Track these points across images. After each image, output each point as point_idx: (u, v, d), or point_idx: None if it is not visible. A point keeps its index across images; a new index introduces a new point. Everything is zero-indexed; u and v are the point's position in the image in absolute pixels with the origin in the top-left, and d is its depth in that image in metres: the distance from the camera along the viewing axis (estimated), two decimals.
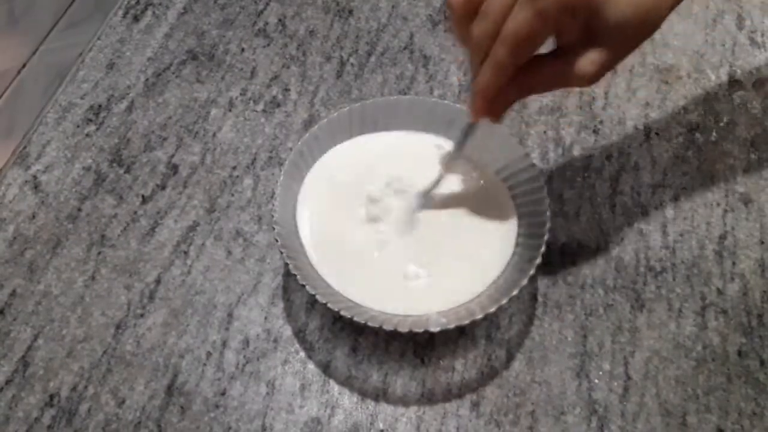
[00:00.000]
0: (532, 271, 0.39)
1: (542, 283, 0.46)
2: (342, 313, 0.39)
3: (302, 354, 0.44)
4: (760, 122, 0.54)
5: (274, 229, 0.41)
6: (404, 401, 0.42)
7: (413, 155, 0.47)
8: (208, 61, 0.59)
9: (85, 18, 0.60)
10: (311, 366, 0.44)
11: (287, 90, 0.57)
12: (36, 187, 0.52)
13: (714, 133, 0.54)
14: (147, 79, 0.58)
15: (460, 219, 0.45)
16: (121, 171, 0.52)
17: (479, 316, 0.38)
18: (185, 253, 0.48)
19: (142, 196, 0.51)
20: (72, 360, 0.44)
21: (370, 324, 0.38)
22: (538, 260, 0.40)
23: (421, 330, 0.38)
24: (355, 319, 0.38)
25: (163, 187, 0.52)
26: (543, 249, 0.40)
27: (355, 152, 0.47)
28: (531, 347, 0.44)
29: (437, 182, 0.44)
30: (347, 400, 0.42)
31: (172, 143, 0.54)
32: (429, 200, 0.45)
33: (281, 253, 0.40)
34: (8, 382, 0.43)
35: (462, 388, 0.43)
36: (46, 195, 0.51)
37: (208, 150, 0.53)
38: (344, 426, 0.42)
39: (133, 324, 0.45)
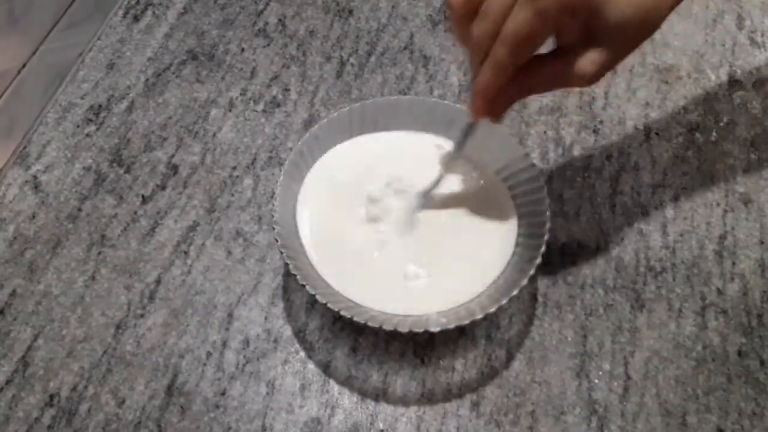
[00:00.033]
0: (532, 271, 0.39)
1: (542, 283, 0.46)
2: (342, 313, 0.39)
3: (302, 354, 0.44)
4: (760, 122, 0.54)
5: (274, 229, 0.41)
6: (404, 401, 0.42)
7: (413, 155, 0.47)
8: (208, 61, 0.59)
9: (85, 18, 0.60)
10: (311, 366, 0.44)
11: (287, 90, 0.57)
12: (36, 187, 0.52)
13: (714, 133, 0.54)
14: (147, 79, 0.58)
15: (460, 219, 0.45)
16: (121, 171, 0.52)
17: (479, 316, 0.38)
18: (185, 253, 0.48)
19: (142, 196, 0.51)
20: (72, 360, 0.44)
21: (370, 324, 0.38)
22: (538, 260, 0.40)
23: (421, 330, 0.38)
24: (355, 319, 0.38)
25: (163, 187, 0.52)
26: (543, 249, 0.40)
27: (355, 152, 0.47)
28: (531, 347, 0.44)
29: (437, 182, 0.45)
30: (347, 400, 0.42)
31: (172, 143, 0.54)
32: (429, 200, 0.45)
33: (281, 253, 0.40)
34: (8, 382, 0.43)
35: (462, 388, 0.43)
36: (46, 195, 0.51)
37: (208, 150, 0.53)
38: (344, 426, 0.42)
39: (133, 324, 0.45)
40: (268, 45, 0.60)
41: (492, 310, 0.38)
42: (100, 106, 0.56)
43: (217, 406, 0.42)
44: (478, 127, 0.40)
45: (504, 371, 0.43)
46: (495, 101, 0.36)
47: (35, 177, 0.52)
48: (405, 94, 0.56)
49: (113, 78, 0.58)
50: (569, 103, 0.55)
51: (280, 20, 0.62)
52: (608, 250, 0.48)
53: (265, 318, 0.45)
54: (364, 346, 0.44)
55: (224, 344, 0.45)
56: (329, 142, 0.47)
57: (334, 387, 0.43)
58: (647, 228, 0.49)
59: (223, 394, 0.43)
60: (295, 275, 0.39)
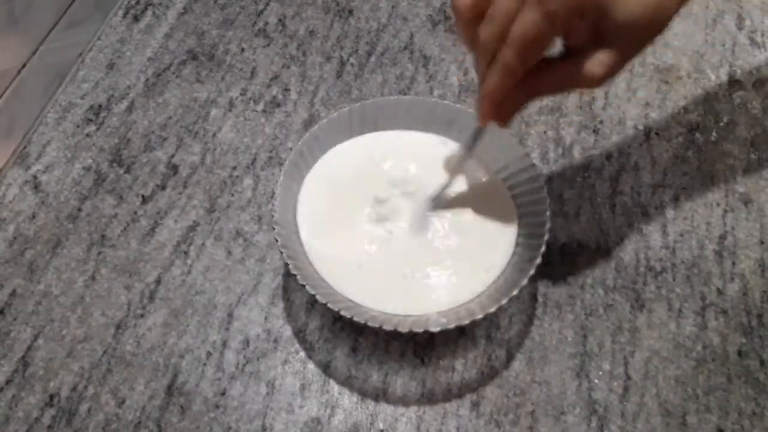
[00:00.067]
0: (532, 271, 0.39)
1: (542, 283, 0.46)
2: (342, 313, 0.39)
3: (302, 354, 0.44)
4: (760, 122, 0.54)
5: (274, 229, 0.41)
6: (404, 401, 0.42)
7: (413, 155, 0.47)
8: (208, 61, 0.59)
9: (85, 18, 0.60)
10: (311, 366, 0.44)
11: (287, 90, 0.57)
12: (36, 187, 0.52)
13: (714, 133, 0.54)
14: (147, 79, 0.58)
15: (460, 219, 0.44)
16: (121, 171, 0.52)
17: (479, 316, 0.38)
18: (185, 253, 0.48)
19: (142, 196, 0.51)
20: (72, 360, 0.44)
21: (370, 324, 0.38)
22: (538, 260, 0.40)
23: (421, 330, 0.38)
24: (355, 319, 0.38)
25: (163, 187, 0.52)
26: (543, 249, 0.40)
27: (355, 152, 0.47)
28: (531, 347, 0.44)
29: (447, 186, 0.44)
30: (347, 400, 0.42)
31: (172, 143, 0.54)
32: (430, 204, 0.45)
33: (281, 253, 0.40)
34: (8, 382, 0.43)
35: (462, 388, 0.43)
36: (46, 195, 0.51)
37: (208, 150, 0.53)
38: (344, 426, 0.42)
39: (133, 324, 0.45)
40: (268, 45, 0.60)
41: (492, 310, 0.38)
42: (100, 106, 0.56)
43: (217, 406, 0.42)
44: (487, 130, 0.40)
45: (504, 371, 0.43)
46: (503, 105, 0.35)
47: (35, 177, 0.52)
48: (405, 94, 0.56)
49: (113, 78, 0.58)
50: (569, 103, 0.55)
51: (280, 20, 0.62)
52: (608, 250, 0.48)
53: (265, 318, 0.45)
54: (364, 346, 0.44)
55: (224, 344, 0.45)
56: (329, 142, 0.47)
57: (334, 387, 0.43)
58: (647, 228, 0.49)
59: (223, 394, 0.43)
60: (295, 275, 0.39)
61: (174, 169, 0.53)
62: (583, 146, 0.53)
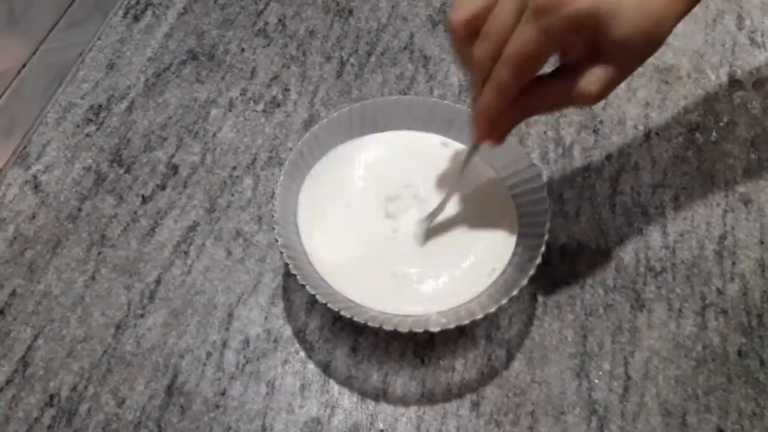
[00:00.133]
0: (532, 271, 0.39)
1: (542, 283, 0.46)
2: (342, 313, 0.39)
3: (302, 354, 0.44)
4: (760, 122, 0.54)
5: (274, 229, 0.41)
6: (404, 401, 0.42)
7: (414, 155, 0.47)
8: (208, 61, 0.59)
9: (85, 18, 0.60)
10: (311, 366, 0.44)
11: (287, 90, 0.57)
12: (36, 187, 0.52)
13: (714, 133, 0.54)
14: (147, 79, 0.58)
15: (460, 219, 0.45)
16: (121, 171, 0.52)
17: (479, 316, 0.38)
18: (185, 253, 0.48)
19: (142, 196, 0.51)
20: (72, 360, 0.44)
21: (370, 324, 0.38)
22: (538, 260, 0.40)
23: (421, 330, 0.38)
24: (355, 319, 0.38)
25: (163, 187, 0.52)
26: (543, 249, 0.40)
27: (355, 152, 0.47)
28: (531, 347, 0.44)
29: (444, 202, 0.44)
30: (347, 400, 0.42)
31: (172, 143, 0.54)
32: (430, 203, 0.44)
33: (281, 253, 0.40)
34: (8, 382, 0.43)
35: (462, 388, 0.43)
36: (46, 195, 0.51)
37: (208, 150, 0.53)
38: (344, 426, 0.42)
39: (133, 324, 0.45)
40: (268, 45, 0.60)
41: (492, 310, 0.38)
42: (100, 106, 0.56)
43: (217, 406, 0.42)
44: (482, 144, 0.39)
45: (504, 371, 0.43)
46: (497, 123, 0.35)
47: (35, 177, 0.52)
48: (405, 94, 0.56)
49: (113, 78, 0.58)
50: None
51: (280, 20, 0.62)
52: (608, 250, 0.48)
53: (265, 318, 0.45)
54: (364, 346, 0.44)
55: (224, 344, 0.45)
56: (329, 142, 0.47)
57: (334, 387, 0.43)
58: (647, 228, 0.49)
59: (223, 394, 0.43)
60: (295, 275, 0.39)
61: (174, 169, 0.53)
62: (583, 146, 0.53)
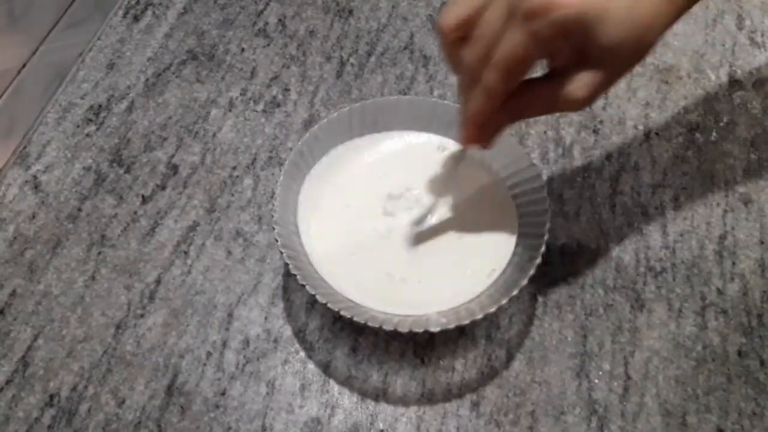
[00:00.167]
0: (532, 271, 0.39)
1: (542, 283, 0.46)
2: (342, 313, 0.39)
3: (302, 354, 0.44)
4: (760, 122, 0.54)
5: (274, 229, 0.41)
6: (404, 401, 0.42)
7: (413, 155, 0.47)
8: (208, 61, 0.59)
9: (85, 18, 0.60)
10: (311, 366, 0.44)
11: (287, 90, 0.57)
12: (36, 187, 0.52)
13: (714, 133, 0.54)
14: (147, 79, 0.58)
15: (461, 219, 0.45)
16: (121, 171, 0.52)
17: (479, 316, 0.38)
18: (185, 253, 0.48)
19: (142, 196, 0.51)
20: (72, 360, 0.44)
21: (370, 324, 0.38)
22: (538, 260, 0.40)
23: (421, 330, 0.38)
24: (355, 319, 0.38)
25: (163, 187, 0.52)
26: (543, 249, 0.40)
27: (355, 152, 0.47)
28: (531, 347, 0.44)
29: (444, 197, 0.44)
30: (347, 400, 0.42)
31: (172, 143, 0.54)
32: (430, 203, 0.45)
33: (281, 253, 0.40)
34: (8, 382, 0.43)
35: (462, 388, 0.43)
36: (46, 195, 0.51)
37: (208, 150, 0.53)
38: (344, 426, 0.42)
39: (133, 324, 0.45)
40: (268, 45, 0.60)
41: (492, 310, 0.38)
42: (100, 106, 0.56)
43: (217, 406, 0.42)
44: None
45: (504, 371, 0.43)
46: (485, 127, 0.35)
47: (35, 177, 0.52)
48: (405, 94, 0.56)
49: (113, 78, 0.58)
50: None
51: (280, 20, 0.62)
52: (608, 250, 0.48)
53: (265, 318, 0.45)
54: (364, 346, 0.44)
55: (224, 344, 0.45)
56: (329, 142, 0.47)
57: (334, 387, 0.43)
58: (647, 228, 0.49)
59: (223, 394, 0.43)
60: (295, 275, 0.39)
61: (174, 169, 0.53)
62: (583, 146, 0.53)
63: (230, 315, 0.46)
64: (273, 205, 0.43)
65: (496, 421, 0.42)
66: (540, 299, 0.46)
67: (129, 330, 0.45)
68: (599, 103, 0.55)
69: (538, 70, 0.34)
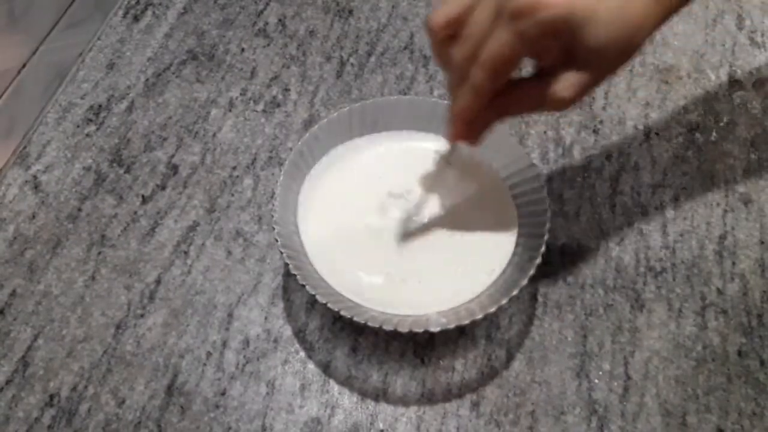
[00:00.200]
0: (532, 271, 0.39)
1: (542, 283, 0.46)
2: (342, 313, 0.39)
3: (302, 354, 0.44)
4: (760, 122, 0.54)
5: (274, 229, 0.41)
6: (404, 401, 0.42)
7: (414, 155, 0.47)
8: (208, 61, 0.59)
9: (85, 18, 0.60)
10: (311, 366, 0.44)
11: (287, 90, 0.57)
12: (36, 187, 0.52)
13: (714, 133, 0.54)
14: (147, 79, 0.58)
15: (461, 219, 0.45)
16: (121, 171, 0.52)
17: (479, 316, 0.38)
18: (185, 253, 0.48)
19: (142, 196, 0.51)
20: (72, 360, 0.44)
21: (370, 324, 0.38)
22: (538, 260, 0.40)
23: (421, 330, 0.38)
24: (355, 319, 0.38)
25: (163, 187, 0.52)
26: (543, 249, 0.40)
27: (355, 152, 0.47)
28: (531, 347, 0.44)
29: (428, 196, 0.44)
30: (347, 400, 0.42)
31: (172, 143, 0.54)
32: (431, 204, 0.45)
33: (281, 253, 0.40)
34: (8, 382, 0.43)
35: (462, 388, 0.43)
36: (46, 195, 0.51)
37: (208, 150, 0.53)
38: (344, 426, 0.42)
39: (133, 324, 0.45)
40: (268, 45, 0.60)
41: (492, 310, 0.38)
42: (100, 106, 0.56)
43: (217, 406, 0.42)
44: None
45: (504, 371, 0.43)
46: (473, 124, 0.35)
47: (35, 177, 0.52)
48: (405, 94, 0.56)
49: (113, 78, 0.58)
50: None
51: (280, 20, 0.62)
52: (608, 250, 0.48)
53: (265, 318, 0.45)
54: (364, 346, 0.44)
55: (224, 344, 0.45)
56: (329, 142, 0.47)
57: (334, 387, 0.43)
58: (647, 228, 0.49)
59: (223, 394, 0.43)
60: (295, 275, 0.39)
61: (174, 169, 0.53)
62: (583, 146, 0.53)
63: (230, 315, 0.46)
64: (273, 205, 0.43)
65: (496, 421, 0.42)
66: (540, 299, 0.46)
67: (129, 330, 0.45)
68: (599, 103, 0.55)
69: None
